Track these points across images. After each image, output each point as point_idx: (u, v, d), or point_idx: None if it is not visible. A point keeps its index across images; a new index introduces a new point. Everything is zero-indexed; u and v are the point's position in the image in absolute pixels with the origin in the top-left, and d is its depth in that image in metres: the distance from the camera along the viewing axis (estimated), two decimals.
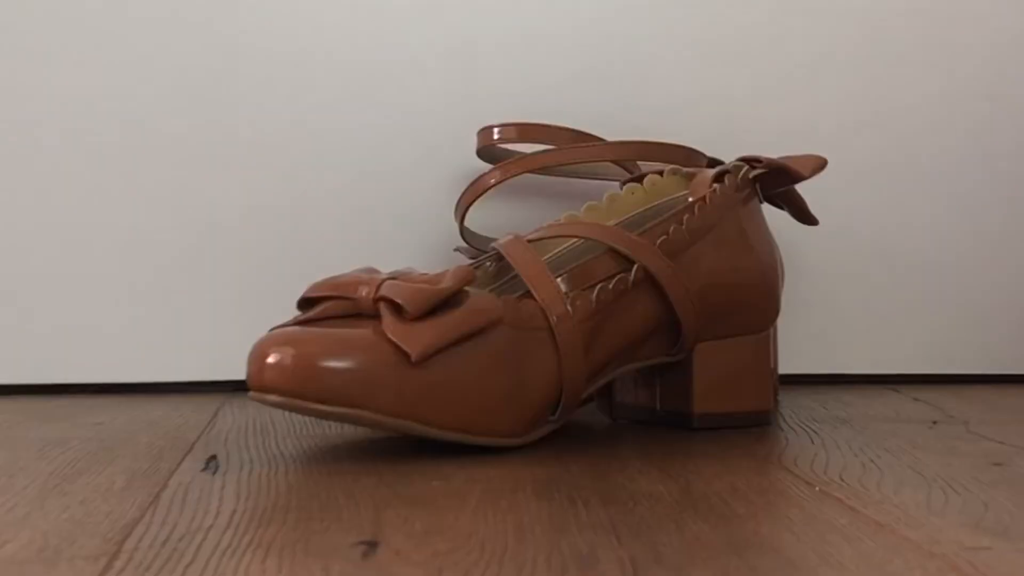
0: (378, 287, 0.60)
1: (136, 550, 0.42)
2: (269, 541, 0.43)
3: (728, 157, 0.74)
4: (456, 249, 0.83)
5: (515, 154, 0.82)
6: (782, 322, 0.80)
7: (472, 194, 0.80)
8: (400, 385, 0.58)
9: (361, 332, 0.58)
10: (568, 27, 0.89)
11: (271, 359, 0.57)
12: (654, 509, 0.48)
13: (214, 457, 0.60)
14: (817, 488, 0.52)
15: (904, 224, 0.91)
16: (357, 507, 0.48)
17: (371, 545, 0.42)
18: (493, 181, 0.79)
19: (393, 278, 0.61)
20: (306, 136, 0.88)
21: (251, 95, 0.87)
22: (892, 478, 0.54)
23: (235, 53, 0.87)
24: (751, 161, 0.71)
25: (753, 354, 0.70)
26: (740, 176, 0.70)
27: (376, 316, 0.59)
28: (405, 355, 0.57)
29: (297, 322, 0.60)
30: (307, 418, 0.72)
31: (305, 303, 0.62)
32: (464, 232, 0.82)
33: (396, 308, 0.59)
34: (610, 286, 0.64)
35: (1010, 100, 0.91)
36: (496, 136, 0.82)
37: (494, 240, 0.68)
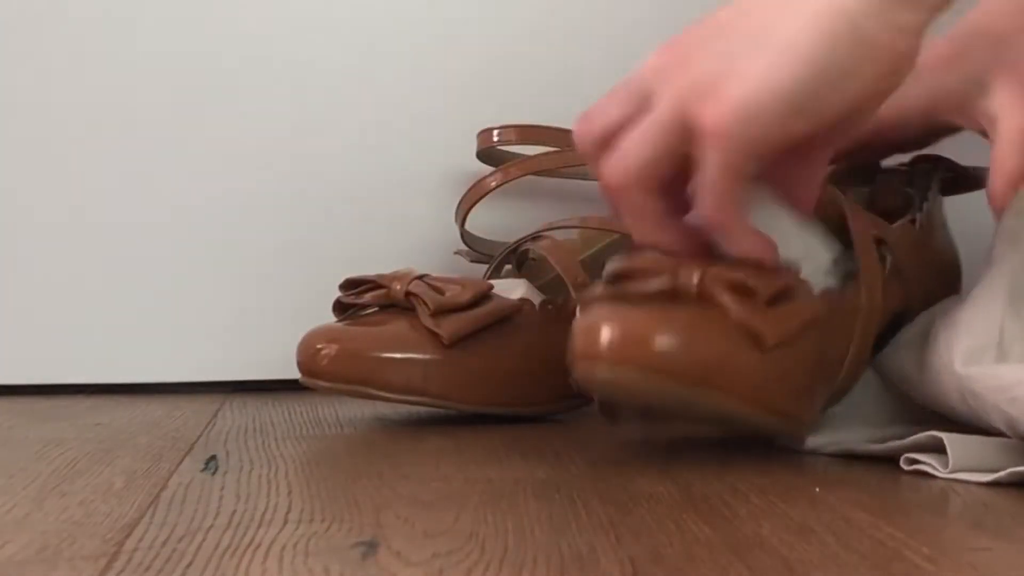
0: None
1: (136, 551, 0.42)
2: (269, 542, 0.43)
3: None
4: (456, 252, 0.83)
5: (516, 156, 0.82)
6: None
7: (473, 197, 0.80)
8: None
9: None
10: (570, 28, 0.89)
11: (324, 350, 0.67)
12: (654, 510, 0.48)
13: (214, 457, 0.60)
14: (817, 489, 0.52)
15: None
16: (357, 508, 0.48)
17: (371, 546, 0.42)
18: (494, 184, 0.79)
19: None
20: (306, 138, 0.88)
21: (251, 95, 0.87)
22: (892, 479, 0.54)
23: (237, 53, 0.87)
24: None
25: None
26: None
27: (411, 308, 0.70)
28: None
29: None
30: (307, 419, 0.72)
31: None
32: (465, 235, 0.82)
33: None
34: None
35: None
36: (496, 138, 0.82)
37: (495, 243, 0.69)
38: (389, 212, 0.88)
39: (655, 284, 0.55)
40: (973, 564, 0.40)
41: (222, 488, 0.52)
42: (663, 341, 0.53)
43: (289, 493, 0.51)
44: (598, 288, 0.57)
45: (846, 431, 0.60)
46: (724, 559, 0.41)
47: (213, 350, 0.87)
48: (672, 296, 0.55)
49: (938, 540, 0.43)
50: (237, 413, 0.76)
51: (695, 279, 0.55)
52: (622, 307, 0.54)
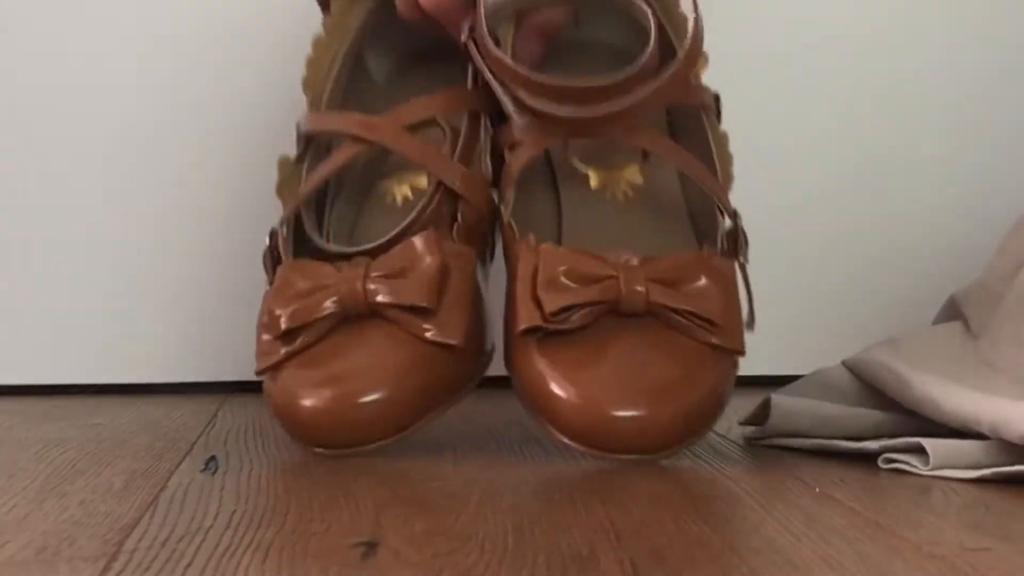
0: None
1: (135, 551, 0.42)
2: (268, 542, 0.43)
3: None
4: None
5: None
6: (773, 324, 0.80)
7: None
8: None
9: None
10: None
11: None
12: (654, 509, 0.48)
13: (213, 458, 0.60)
14: (817, 489, 0.52)
15: (896, 224, 0.90)
16: (356, 508, 0.48)
17: (370, 546, 0.42)
18: None
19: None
20: None
21: (250, 94, 0.87)
22: (892, 479, 0.54)
23: (239, 53, 0.87)
24: None
25: None
26: None
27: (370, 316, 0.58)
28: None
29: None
30: None
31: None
32: None
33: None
34: None
35: (1008, 94, 0.91)
36: None
37: None
38: None
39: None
40: (972, 564, 0.40)
41: (222, 488, 0.52)
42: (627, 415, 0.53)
43: (288, 494, 0.51)
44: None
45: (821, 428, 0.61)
46: (724, 559, 0.41)
47: (213, 350, 0.87)
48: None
49: (938, 540, 0.43)
50: (237, 413, 0.76)
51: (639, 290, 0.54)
52: (571, 370, 0.53)
